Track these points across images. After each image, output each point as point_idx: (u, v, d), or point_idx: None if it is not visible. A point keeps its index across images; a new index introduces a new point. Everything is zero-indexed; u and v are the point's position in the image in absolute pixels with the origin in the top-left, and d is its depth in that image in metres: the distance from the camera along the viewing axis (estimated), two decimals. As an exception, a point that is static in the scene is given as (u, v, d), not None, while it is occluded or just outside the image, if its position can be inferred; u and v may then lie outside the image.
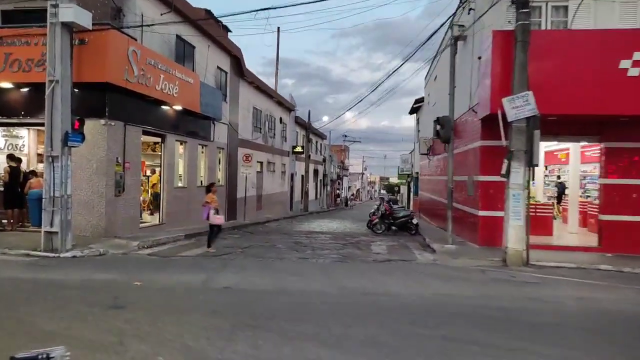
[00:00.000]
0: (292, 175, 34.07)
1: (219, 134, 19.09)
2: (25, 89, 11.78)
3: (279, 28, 33.65)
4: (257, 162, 24.37)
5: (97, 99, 11.42)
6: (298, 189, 36.55)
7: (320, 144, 47.30)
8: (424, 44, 29.55)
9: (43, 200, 9.80)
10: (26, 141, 15.50)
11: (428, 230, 16.75)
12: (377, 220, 17.23)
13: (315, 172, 43.74)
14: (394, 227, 16.84)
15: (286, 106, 30.90)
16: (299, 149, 33.41)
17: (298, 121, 35.23)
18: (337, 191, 61.05)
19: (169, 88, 13.43)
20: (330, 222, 24.96)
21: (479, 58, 11.55)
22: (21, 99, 11.87)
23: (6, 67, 11.14)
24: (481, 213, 11.51)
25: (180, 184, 15.78)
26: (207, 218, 11.24)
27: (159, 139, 14.66)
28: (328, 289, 7.03)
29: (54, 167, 9.83)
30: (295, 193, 35.62)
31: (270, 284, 7.31)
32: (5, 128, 14.43)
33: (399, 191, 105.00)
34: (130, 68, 11.54)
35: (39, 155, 15.94)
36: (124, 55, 11.33)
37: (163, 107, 14.00)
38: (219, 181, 19.44)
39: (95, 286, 6.80)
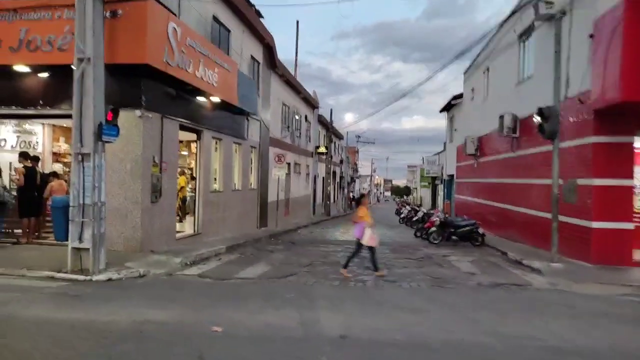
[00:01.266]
0: (314, 178, 32.10)
1: (252, 131, 17.14)
2: (44, 74, 9.83)
3: (297, 21, 31.72)
4: (285, 163, 22.42)
5: (131, 86, 9.47)
6: (319, 192, 34.57)
7: (338, 145, 45.35)
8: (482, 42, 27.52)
9: (70, 209, 7.84)
10: (40, 138, 13.57)
11: (490, 241, 14.75)
12: (434, 228, 15.23)
13: (334, 174, 41.78)
14: (454, 237, 14.84)
15: (311, 103, 28.94)
16: (322, 149, 31.43)
17: (320, 120, 33.28)
18: (352, 194, 58.99)
19: (208, 76, 11.47)
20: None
21: (591, 36, 9.57)
22: (39, 86, 9.92)
23: (22, 46, 9.17)
24: (595, 225, 9.51)
25: (215, 188, 13.81)
26: (360, 237, 9.05)
27: (193, 136, 12.70)
28: (480, 337, 5.06)
29: (84, 167, 7.88)
30: (316, 196, 33.65)
31: (392, 328, 5.33)
32: (17, 123, 12.49)
33: (408, 194, 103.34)
34: (170, 49, 9.58)
35: (54, 154, 14.06)
36: (163, 33, 9.37)
37: (199, 98, 12.05)
38: (250, 184, 17.48)
39: (162, 335, 4.83)
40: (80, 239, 7.84)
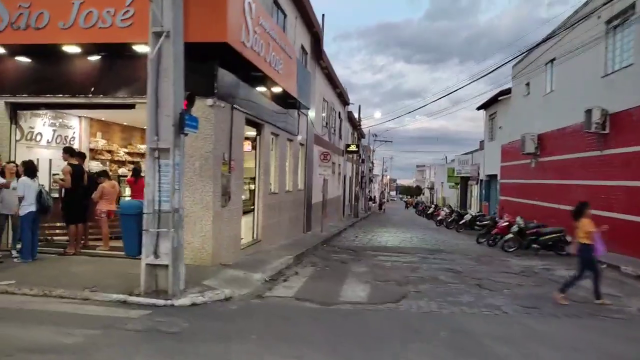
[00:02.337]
0: (344, 177, 30.62)
1: (300, 127, 15.66)
2: (97, 56, 8.40)
3: (323, 15, 30.10)
4: (331, 162, 20.97)
5: (202, 70, 7.99)
6: (346, 192, 33.07)
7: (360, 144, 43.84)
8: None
9: (144, 217, 6.38)
10: (77, 132, 12.17)
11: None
12: (511, 235, 13.71)
13: (359, 173, 40.30)
14: (534, 245, 13.31)
15: (344, 99, 27.45)
16: (353, 147, 29.90)
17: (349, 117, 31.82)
18: (369, 194, 57.41)
19: (275, 62, 10.00)
20: (404, 233, 21.45)
21: None
22: (90, 70, 8.48)
23: (75, 21, 7.72)
24: None
25: (272, 189, 12.35)
26: (600, 253, 7.30)
27: (253, 131, 11.22)
28: None
29: (160, 165, 6.42)
30: (345, 197, 32.15)
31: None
32: (53, 115, 11.08)
33: (418, 194, 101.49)
34: (246, 27, 8.11)
35: (91, 151, 12.65)
36: (241, 8, 7.91)
37: (260, 87, 10.59)
38: (298, 185, 16.00)
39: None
40: (155, 254, 6.39)
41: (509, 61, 20.44)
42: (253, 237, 11.14)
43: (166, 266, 6.34)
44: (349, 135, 33.07)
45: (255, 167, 11.32)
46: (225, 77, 8.51)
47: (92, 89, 8.41)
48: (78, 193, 8.64)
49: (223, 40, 7.37)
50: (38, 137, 10.72)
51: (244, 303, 6.41)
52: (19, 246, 8.11)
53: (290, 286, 7.60)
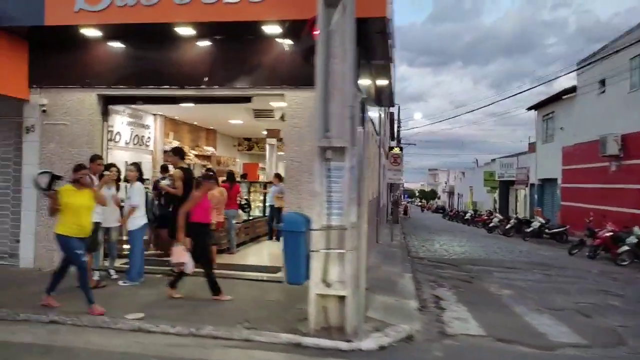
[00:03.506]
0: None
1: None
2: (213, 40, 7.11)
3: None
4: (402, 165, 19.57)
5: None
6: (384, 196, 31.66)
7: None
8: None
9: (313, 234, 5.04)
10: (152, 132, 10.92)
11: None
12: (626, 248, 12.27)
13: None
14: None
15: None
16: (396, 150, 28.48)
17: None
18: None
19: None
20: (460, 240, 19.95)
21: None
22: (205, 56, 7.21)
23: (194, -4, 6.43)
24: None
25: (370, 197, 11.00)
26: None
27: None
28: None
29: (330, 169, 5.10)
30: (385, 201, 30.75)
31: None
32: (131, 113, 9.82)
33: (433, 197, 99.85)
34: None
35: (166, 152, 11.38)
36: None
37: (371, 78, 9.29)
38: (374, 190, 14.63)
39: None
40: (326, 281, 5.05)
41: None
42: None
43: (341, 297, 5.00)
44: (388, 138, 31.74)
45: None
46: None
47: (206, 78, 7.11)
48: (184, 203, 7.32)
49: (384, 15, 6.07)
50: (117, 137, 9.49)
51: (440, 345, 5.04)
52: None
53: (460, 317, 6.21)
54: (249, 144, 16.76)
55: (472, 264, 11.88)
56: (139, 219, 6.64)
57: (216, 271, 7.39)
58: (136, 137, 10.11)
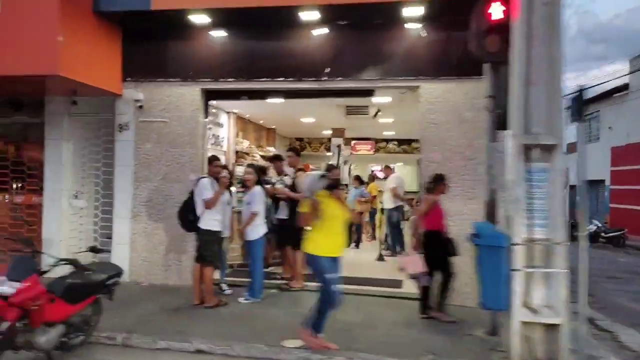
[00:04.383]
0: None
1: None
2: (329, 28, 6.32)
3: None
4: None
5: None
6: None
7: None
8: None
9: (514, 249, 4.24)
10: (225, 132, 10.17)
11: None
12: None
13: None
14: None
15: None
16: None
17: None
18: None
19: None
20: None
21: None
22: (327, 44, 6.38)
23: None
24: None
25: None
26: None
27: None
28: None
29: (531, 172, 4.31)
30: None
31: None
32: (212, 110, 9.03)
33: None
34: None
35: (237, 153, 10.64)
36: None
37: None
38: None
39: None
40: (528, 306, 4.25)
41: None
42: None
43: (549, 326, 4.21)
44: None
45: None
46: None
47: (328, 69, 6.31)
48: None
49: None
50: (200, 137, 8.68)
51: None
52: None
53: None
54: (301, 144, 15.97)
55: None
56: (260, 228, 5.87)
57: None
58: (212, 135, 9.34)
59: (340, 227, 4.35)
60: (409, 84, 6.24)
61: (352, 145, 14.70)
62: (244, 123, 11.22)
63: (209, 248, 5.63)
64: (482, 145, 5.90)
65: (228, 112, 10.09)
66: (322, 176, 4.38)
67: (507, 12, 4.66)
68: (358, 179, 10.50)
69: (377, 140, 15.31)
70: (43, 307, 3.56)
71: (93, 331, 4.43)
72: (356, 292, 6.31)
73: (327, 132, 13.65)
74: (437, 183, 5.35)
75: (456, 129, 6.00)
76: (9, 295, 3.35)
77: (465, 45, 5.93)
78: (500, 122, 4.83)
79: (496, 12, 4.73)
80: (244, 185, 6.05)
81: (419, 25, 6.06)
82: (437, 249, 5.21)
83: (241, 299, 5.87)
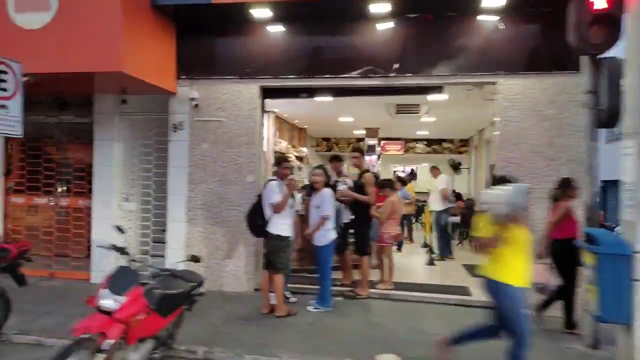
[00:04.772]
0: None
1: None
2: (397, 22, 6.01)
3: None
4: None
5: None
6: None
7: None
8: None
9: (636, 257, 3.93)
10: (265, 131, 9.82)
11: None
12: None
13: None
14: None
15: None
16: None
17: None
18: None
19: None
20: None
21: None
22: (394, 38, 6.04)
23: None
24: None
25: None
26: None
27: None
28: None
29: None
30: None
31: None
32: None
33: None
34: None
35: (275, 153, 10.29)
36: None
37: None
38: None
39: None
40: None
41: None
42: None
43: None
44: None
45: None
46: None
47: (396, 65, 6.00)
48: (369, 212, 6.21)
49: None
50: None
51: None
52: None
53: None
54: (328, 144, 15.69)
55: None
56: (330, 233, 5.56)
57: (394, 291, 6.37)
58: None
59: (529, 253, 3.61)
60: (485, 80, 5.92)
61: (382, 145, 14.39)
62: (279, 123, 10.91)
63: (279, 254, 5.32)
64: (565, 144, 5.64)
65: (267, 112, 9.78)
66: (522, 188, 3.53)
67: (611, 2, 4.36)
68: (401, 180, 10.19)
69: (407, 140, 15.00)
70: (142, 322, 3.27)
71: (174, 344, 4.14)
72: (428, 301, 6.02)
73: (358, 132, 13.36)
74: (565, 188, 5.03)
75: (536, 127, 5.68)
76: (113, 311, 3.05)
77: (547, 39, 5.68)
78: (601, 120, 4.53)
79: (599, 1, 4.42)
80: (312, 188, 5.74)
81: (496, 18, 5.75)
82: (568, 258, 4.87)
83: (310, 308, 5.56)
